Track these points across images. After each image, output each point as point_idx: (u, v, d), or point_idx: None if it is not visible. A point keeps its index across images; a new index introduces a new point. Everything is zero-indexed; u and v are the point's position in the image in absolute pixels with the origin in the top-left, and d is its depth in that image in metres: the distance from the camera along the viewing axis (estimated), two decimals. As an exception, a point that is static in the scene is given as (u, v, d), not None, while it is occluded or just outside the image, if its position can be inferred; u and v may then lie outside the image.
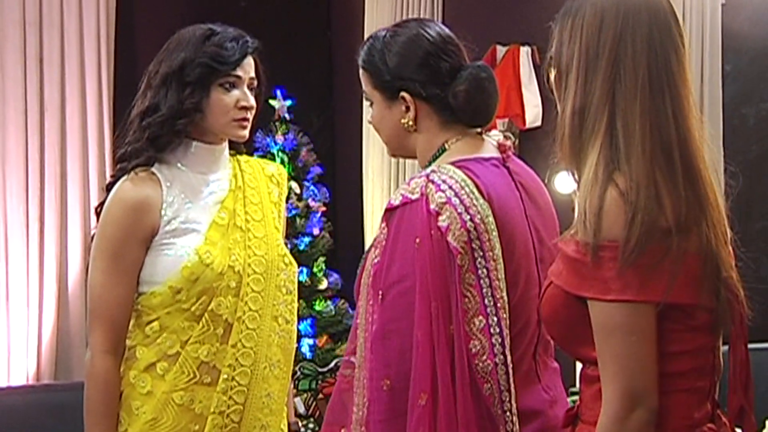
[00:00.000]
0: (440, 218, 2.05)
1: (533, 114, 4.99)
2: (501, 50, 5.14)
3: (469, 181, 2.10)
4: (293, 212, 5.72)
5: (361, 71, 2.30)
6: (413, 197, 2.08)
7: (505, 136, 2.33)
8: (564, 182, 4.27)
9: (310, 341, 5.68)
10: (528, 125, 5.00)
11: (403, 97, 2.22)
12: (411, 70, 2.22)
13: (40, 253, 5.58)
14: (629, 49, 1.82)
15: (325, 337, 5.76)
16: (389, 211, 2.12)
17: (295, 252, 5.50)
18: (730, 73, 4.30)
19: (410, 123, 2.23)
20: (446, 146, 2.22)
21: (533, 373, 2.19)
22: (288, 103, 5.89)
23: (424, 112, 2.23)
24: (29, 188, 5.57)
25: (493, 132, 2.34)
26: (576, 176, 1.89)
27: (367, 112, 2.37)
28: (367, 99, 2.32)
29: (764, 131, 4.35)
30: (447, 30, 2.29)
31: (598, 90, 1.83)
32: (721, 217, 1.87)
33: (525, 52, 5.06)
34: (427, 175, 2.11)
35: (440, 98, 2.21)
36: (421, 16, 5.63)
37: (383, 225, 2.13)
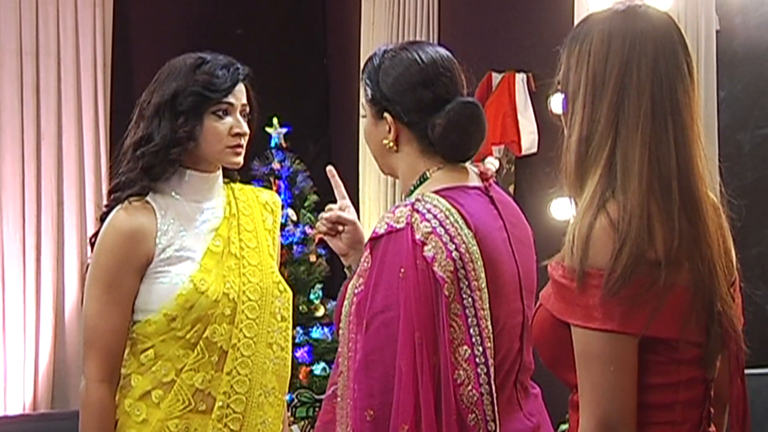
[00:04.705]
0: (426, 248, 2.04)
1: (529, 140, 4.99)
2: (496, 77, 5.15)
3: (453, 211, 2.10)
4: (290, 239, 5.72)
5: (362, 81, 2.31)
6: (398, 226, 2.08)
7: (486, 170, 2.31)
8: (560, 208, 4.28)
9: (307, 369, 5.67)
10: (524, 152, 5.00)
11: (386, 118, 2.23)
12: (396, 93, 2.21)
13: (36, 281, 5.59)
14: (634, 78, 1.80)
15: (322, 365, 5.74)
16: (373, 240, 2.11)
17: (291, 279, 5.50)
18: (724, 99, 4.31)
19: (391, 144, 2.23)
20: (428, 174, 2.21)
21: (515, 401, 2.18)
22: (284, 130, 5.90)
23: (405, 137, 2.23)
24: (26, 216, 5.58)
25: (488, 159, 2.34)
26: (577, 204, 1.88)
27: (364, 140, 2.37)
28: (363, 112, 2.33)
29: (759, 157, 4.35)
30: (447, 58, 2.26)
31: (603, 118, 1.81)
32: (720, 251, 1.83)
33: (520, 78, 5.07)
34: (412, 204, 2.10)
35: (420, 127, 2.21)
36: (417, 43, 5.65)
37: (367, 253, 2.12)
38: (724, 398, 1.93)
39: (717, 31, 4.26)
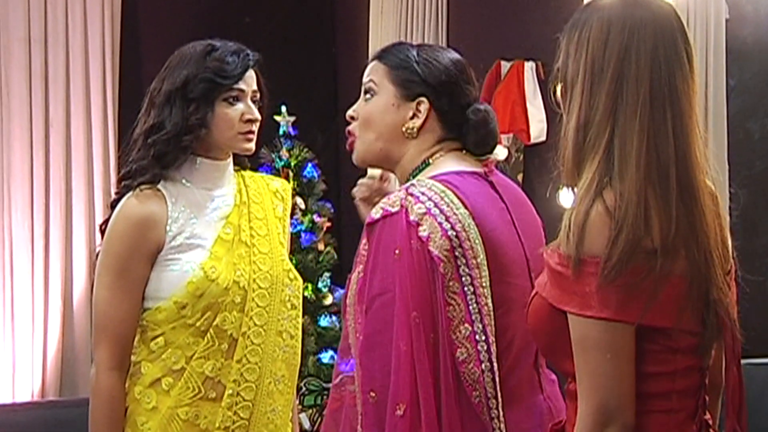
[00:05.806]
0: (420, 228, 2.05)
1: (538, 129, 4.99)
2: (505, 65, 5.14)
3: (448, 192, 2.11)
4: (298, 227, 5.72)
5: (376, 63, 2.29)
6: (393, 210, 2.09)
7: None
8: (568, 197, 4.27)
9: (315, 357, 5.68)
10: (533, 140, 5.00)
11: (420, 102, 2.23)
12: (443, 82, 2.24)
13: (45, 269, 5.59)
14: (633, 65, 1.80)
15: (330, 353, 5.75)
16: (370, 225, 2.12)
17: (299, 267, 5.50)
18: (734, 87, 4.30)
19: (414, 129, 2.24)
20: (430, 161, 2.23)
21: (536, 383, 2.19)
22: (293, 118, 5.90)
23: (431, 125, 2.24)
24: (34, 205, 5.59)
25: (497, 147, 2.34)
26: (575, 192, 1.88)
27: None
28: (368, 92, 2.29)
29: (769, 146, 4.35)
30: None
31: (601, 105, 1.80)
32: (718, 240, 1.83)
33: (529, 67, 5.07)
34: (406, 189, 2.12)
35: (457, 116, 2.24)
36: (426, 32, 5.67)
37: (364, 240, 2.13)
38: (718, 385, 1.93)
39: (726, 20, 4.25)
